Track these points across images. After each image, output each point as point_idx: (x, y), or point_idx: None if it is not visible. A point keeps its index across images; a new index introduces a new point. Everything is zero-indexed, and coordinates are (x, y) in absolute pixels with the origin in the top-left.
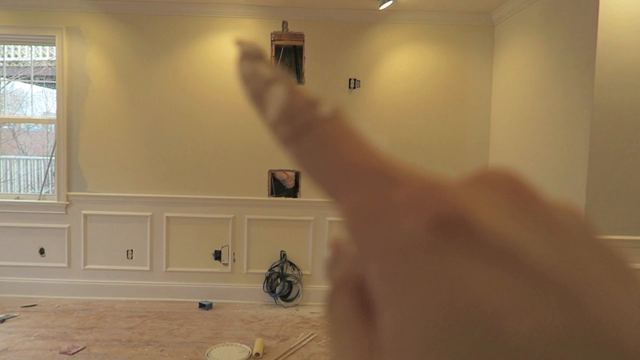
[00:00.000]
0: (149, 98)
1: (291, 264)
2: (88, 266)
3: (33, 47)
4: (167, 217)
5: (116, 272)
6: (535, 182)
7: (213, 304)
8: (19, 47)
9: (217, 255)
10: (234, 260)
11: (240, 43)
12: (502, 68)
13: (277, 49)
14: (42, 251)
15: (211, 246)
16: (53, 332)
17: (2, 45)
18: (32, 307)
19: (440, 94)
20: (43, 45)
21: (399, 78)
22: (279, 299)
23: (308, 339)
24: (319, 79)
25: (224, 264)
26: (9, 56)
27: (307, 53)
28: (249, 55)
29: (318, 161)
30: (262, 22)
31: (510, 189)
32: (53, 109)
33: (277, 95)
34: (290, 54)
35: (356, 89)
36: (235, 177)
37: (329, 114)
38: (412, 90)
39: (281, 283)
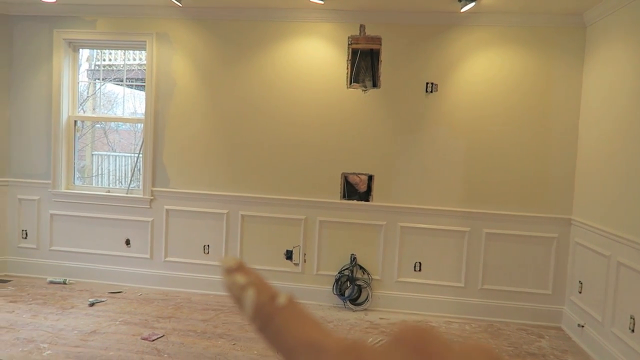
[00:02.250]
0: (228, 100)
1: (361, 267)
2: (168, 258)
3: (125, 51)
4: (242, 215)
5: (193, 266)
6: (441, 334)
7: None
8: (112, 51)
9: (289, 255)
10: (305, 261)
11: (221, 261)
12: (594, 73)
13: (354, 52)
14: (128, 242)
15: (283, 246)
16: (135, 319)
17: (99, 50)
18: (117, 294)
19: (524, 99)
20: (135, 50)
21: (478, 82)
22: (347, 302)
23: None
24: (395, 83)
25: (294, 263)
26: (104, 60)
27: (384, 56)
28: (227, 270)
29: (278, 341)
30: (339, 26)
31: (414, 343)
32: (140, 109)
33: (249, 297)
34: (367, 58)
35: (433, 92)
36: (309, 179)
37: (284, 303)
38: (493, 95)
39: (350, 286)
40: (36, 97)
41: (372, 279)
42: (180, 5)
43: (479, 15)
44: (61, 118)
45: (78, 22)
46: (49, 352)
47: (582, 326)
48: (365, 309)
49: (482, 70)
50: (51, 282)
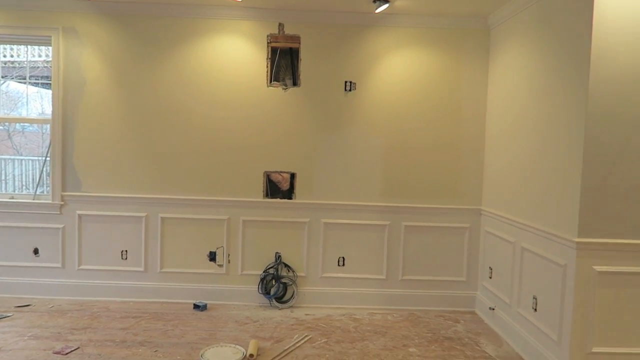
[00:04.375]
0: (143, 99)
1: (286, 265)
2: (82, 266)
3: (29, 47)
4: (162, 217)
5: (111, 273)
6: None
7: (208, 305)
8: (14, 47)
9: (212, 257)
10: (229, 262)
11: None
12: (497, 72)
13: (274, 50)
14: (36, 251)
15: (206, 247)
16: (47, 332)
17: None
18: (26, 307)
19: (436, 97)
20: (39, 45)
21: (395, 81)
22: (273, 300)
23: (302, 341)
24: (315, 81)
25: (218, 265)
26: (4, 56)
27: (303, 55)
28: None
29: None
30: (258, 24)
31: None
32: (48, 110)
33: None
34: (286, 56)
35: (352, 91)
36: (231, 179)
37: None
38: (408, 93)
39: (276, 284)
40: None
41: (297, 276)
42: None
43: (393, 16)
44: None
45: None
46: None
47: (493, 309)
48: (291, 306)
49: (398, 70)
50: None
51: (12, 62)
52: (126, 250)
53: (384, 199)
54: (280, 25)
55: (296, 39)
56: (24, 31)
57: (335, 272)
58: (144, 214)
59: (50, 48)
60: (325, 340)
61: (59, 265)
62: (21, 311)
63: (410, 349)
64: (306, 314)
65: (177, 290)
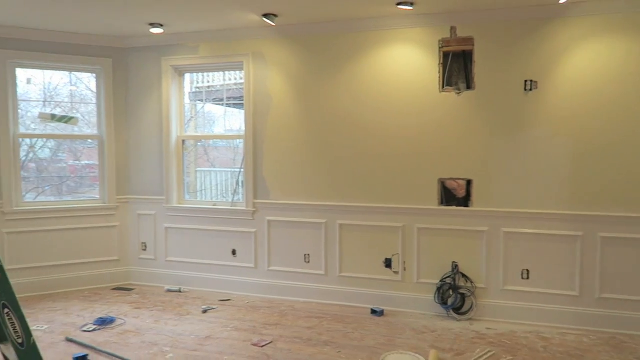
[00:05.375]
0: (321, 112)
1: (464, 275)
2: (272, 267)
3: (224, 72)
4: (340, 224)
5: (295, 275)
6: None
7: (384, 311)
8: (211, 74)
9: (388, 263)
10: (405, 269)
11: None
12: None
13: (445, 55)
14: (234, 252)
15: (382, 254)
16: (245, 325)
17: (199, 74)
18: (227, 302)
19: (635, 89)
20: (233, 70)
21: (582, 76)
22: (451, 311)
23: (485, 356)
24: (490, 83)
25: (394, 272)
26: (203, 82)
27: (477, 57)
28: None
29: None
30: (429, 30)
31: None
32: (235, 126)
33: None
34: (459, 60)
35: (533, 90)
36: (405, 186)
37: None
38: (599, 89)
39: (453, 295)
40: (149, 120)
41: (475, 287)
42: (274, 24)
43: (580, 4)
44: (171, 138)
45: (182, 49)
46: (171, 355)
47: None
48: (470, 319)
49: (587, 64)
50: (168, 291)
51: (209, 87)
52: (309, 254)
53: (573, 206)
54: (453, 29)
55: (469, 41)
56: (221, 59)
57: (519, 286)
58: (323, 221)
59: (238, 72)
60: (511, 358)
61: (252, 265)
62: (224, 305)
63: None
64: (487, 328)
65: (354, 294)
